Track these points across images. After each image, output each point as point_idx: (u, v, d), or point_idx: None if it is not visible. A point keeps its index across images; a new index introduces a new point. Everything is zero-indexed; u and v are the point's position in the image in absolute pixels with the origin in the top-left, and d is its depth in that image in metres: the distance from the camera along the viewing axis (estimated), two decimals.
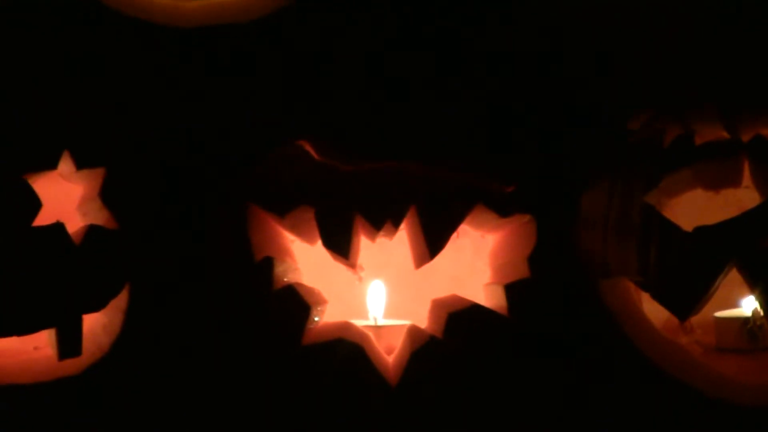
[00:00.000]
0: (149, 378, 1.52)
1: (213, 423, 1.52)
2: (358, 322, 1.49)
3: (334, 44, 1.68)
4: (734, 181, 1.52)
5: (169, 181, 1.61)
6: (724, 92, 1.54)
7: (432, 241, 1.48)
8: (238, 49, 1.64)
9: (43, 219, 1.45)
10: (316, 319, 1.48)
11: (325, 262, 1.51)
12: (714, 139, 1.52)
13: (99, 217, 1.49)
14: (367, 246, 1.50)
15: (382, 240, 1.49)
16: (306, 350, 1.46)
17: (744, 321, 1.56)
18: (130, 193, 1.52)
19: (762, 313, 1.48)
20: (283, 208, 1.50)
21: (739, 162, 1.51)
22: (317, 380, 1.47)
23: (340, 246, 1.48)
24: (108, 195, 1.50)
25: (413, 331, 1.48)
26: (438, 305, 1.49)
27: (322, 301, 1.49)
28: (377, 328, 1.50)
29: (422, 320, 1.49)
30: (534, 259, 1.52)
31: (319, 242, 1.49)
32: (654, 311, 1.52)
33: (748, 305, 1.56)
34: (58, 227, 1.46)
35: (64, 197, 1.50)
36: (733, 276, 1.49)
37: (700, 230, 1.48)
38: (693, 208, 1.54)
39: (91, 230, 1.48)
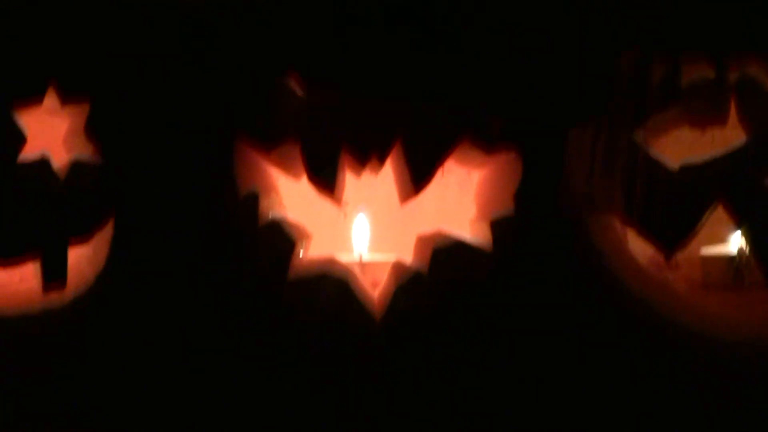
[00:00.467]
0: (133, 312, 1.52)
1: (197, 358, 1.52)
2: (343, 257, 1.50)
3: None
4: (721, 120, 1.51)
5: (155, 115, 1.61)
6: (712, 31, 1.54)
7: (417, 176, 1.48)
8: None
9: (28, 153, 1.46)
10: (301, 254, 1.48)
11: (311, 197, 1.51)
12: (701, 78, 1.52)
13: (84, 151, 1.50)
14: (353, 181, 1.50)
15: (367, 175, 1.49)
16: (291, 285, 1.46)
17: (730, 258, 1.56)
18: (115, 128, 1.52)
19: (748, 250, 1.48)
20: (269, 144, 1.50)
21: (726, 101, 1.50)
22: (302, 315, 1.47)
23: (326, 181, 1.48)
24: (93, 129, 1.50)
25: (398, 266, 1.48)
26: (423, 241, 1.50)
27: (306, 237, 1.49)
28: (362, 264, 1.51)
29: (407, 255, 1.50)
30: (519, 196, 1.52)
31: (305, 178, 1.49)
32: (639, 248, 1.52)
33: (734, 242, 1.56)
34: (43, 161, 1.46)
35: (49, 132, 1.50)
36: (720, 213, 1.49)
37: (686, 168, 1.48)
38: (679, 147, 1.53)
39: (75, 164, 1.48)
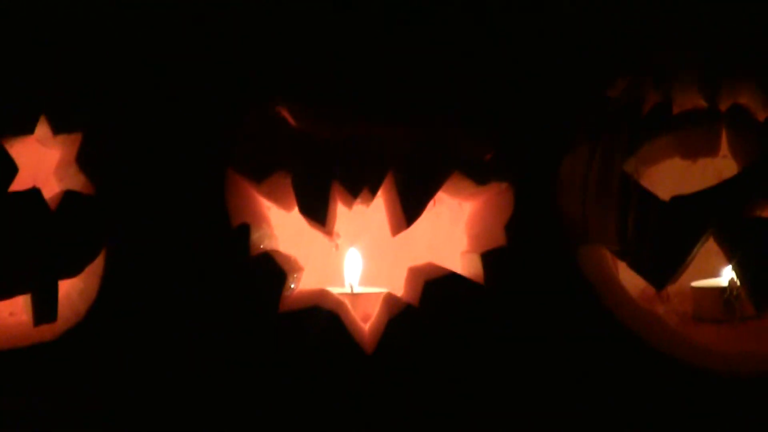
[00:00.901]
0: (124, 344, 1.52)
1: (188, 388, 1.52)
2: (335, 290, 1.50)
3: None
4: (712, 150, 1.51)
5: (146, 145, 1.61)
6: (703, 61, 1.53)
7: (409, 209, 1.48)
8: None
9: (19, 184, 1.46)
10: (292, 286, 1.48)
11: (302, 229, 1.51)
12: (692, 107, 1.52)
13: (75, 182, 1.50)
14: (344, 213, 1.50)
15: (359, 207, 1.49)
16: (282, 317, 1.46)
17: (721, 291, 1.56)
18: (107, 159, 1.52)
19: (739, 283, 1.48)
20: (261, 175, 1.50)
21: (717, 131, 1.50)
22: (293, 347, 1.47)
23: (317, 213, 1.48)
24: (84, 160, 1.50)
25: (389, 299, 1.48)
26: (414, 273, 1.50)
27: (298, 269, 1.49)
28: (353, 296, 1.50)
29: (399, 288, 1.50)
30: (511, 228, 1.52)
31: (296, 209, 1.48)
32: (630, 280, 1.52)
33: (726, 275, 1.56)
34: (34, 193, 1.46)
35: (41, 162, 1.50)
36: (711, 246, 1.49)
37: (677, 200, 1.48)
38: (671, 178, 1.54)
39: (67, 195, 1.48)
